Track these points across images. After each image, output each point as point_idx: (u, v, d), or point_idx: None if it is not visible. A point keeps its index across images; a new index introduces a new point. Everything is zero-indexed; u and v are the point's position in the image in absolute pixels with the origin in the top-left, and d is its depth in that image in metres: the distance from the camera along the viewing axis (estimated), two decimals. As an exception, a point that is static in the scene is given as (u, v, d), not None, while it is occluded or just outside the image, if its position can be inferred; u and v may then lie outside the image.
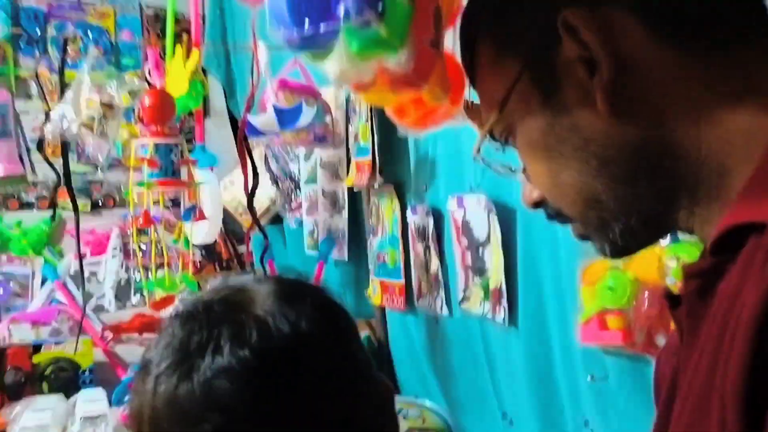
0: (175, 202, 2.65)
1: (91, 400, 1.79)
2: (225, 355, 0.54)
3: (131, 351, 2.38)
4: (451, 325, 1.65)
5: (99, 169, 2.78)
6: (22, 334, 2.36)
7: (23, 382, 2.02)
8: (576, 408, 1.24)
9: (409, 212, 1.69)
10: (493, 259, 1.39)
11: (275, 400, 0.54)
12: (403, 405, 1.67)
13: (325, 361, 0.58)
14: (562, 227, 0.54)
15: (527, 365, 1.35)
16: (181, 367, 0.55)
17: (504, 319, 1.38)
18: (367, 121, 1.73)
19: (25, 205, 2.86)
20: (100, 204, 2.94)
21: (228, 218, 2.61)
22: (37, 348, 2.11)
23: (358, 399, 0.60)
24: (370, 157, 1.72)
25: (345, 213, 1.95)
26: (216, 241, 2.69)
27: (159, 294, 2.34)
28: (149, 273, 2.36)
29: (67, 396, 1.91)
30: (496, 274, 1.39)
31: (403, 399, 1.79)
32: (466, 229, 1.47)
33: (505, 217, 1.35)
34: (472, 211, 1.43)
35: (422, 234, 1.64)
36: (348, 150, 1.87)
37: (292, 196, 2.32)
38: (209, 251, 2.80)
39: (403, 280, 1.77)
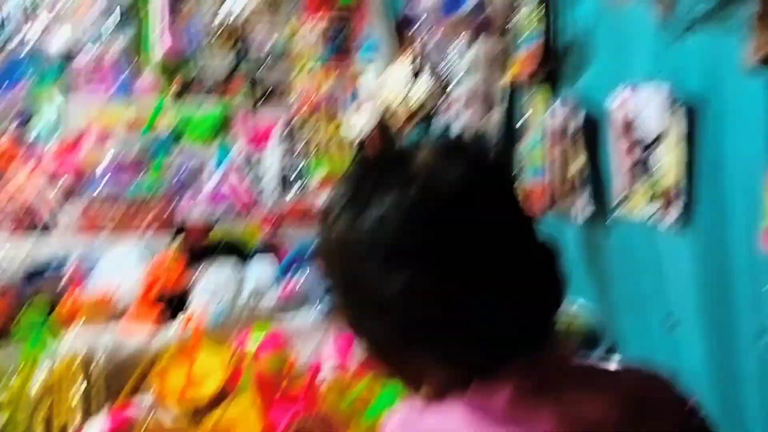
0: (333, 96, 2.74)
1: (260, 271, 1.96)
2: (393, 194, 0.57)
3: (292, 235, 2.55)
4: (597, 226, 1.58)
5: (265, 59, 2.90)
6: (199, 212, 2.60)
7: (200, 254, 2.23)
8: (752, 317, 1.16)
9: (558, 106, 1.60)
10: (668, 157, 1.30)
11: (439, 239, 0.56)
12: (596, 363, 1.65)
13: (490, 209, 0.59)
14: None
15: (698, 270, 1.27)
16: (353, 209, 0.59)
17: (674, 221, 1.30)
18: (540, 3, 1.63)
19: (199, 93, 3.03)
20: (267, 94, 3.05)
21: (384, 112, 2.64)
22: (211, 225, 2.30)
23: (520, 253, 0.60)
24: (533, 48, 1.64)
25: (498, 111, 1.90)
26: (371, 133, 2.75)
27: (320, 179, 2.47)
28: (311, 160, 2.49)
29: (239, 268, 2.09)
30: (670, 174, 1.30)
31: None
32: (631, 124, 1.38)
33: (686, 111, 1.25)
34: (643, 104, 1.33)
35: (570, 131, 1.56)
36: (508, 44, 1.79)
37: (446, 93, 2.28)
38: (364, 144, 2.87)
39: (546, 181, 1.71)
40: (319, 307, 1.81)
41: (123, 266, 2.03)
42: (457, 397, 0.59)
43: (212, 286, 1.82)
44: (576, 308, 1.66)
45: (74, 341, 1.63)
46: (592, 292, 1.65)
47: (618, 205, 1.46)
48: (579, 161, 1.55)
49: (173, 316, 1.78)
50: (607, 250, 1.59)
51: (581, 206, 1.56)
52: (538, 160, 1.68)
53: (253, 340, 1.62)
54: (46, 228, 2.49)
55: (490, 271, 0.58)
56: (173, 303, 1.81)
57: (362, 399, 1.48)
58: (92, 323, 1.71)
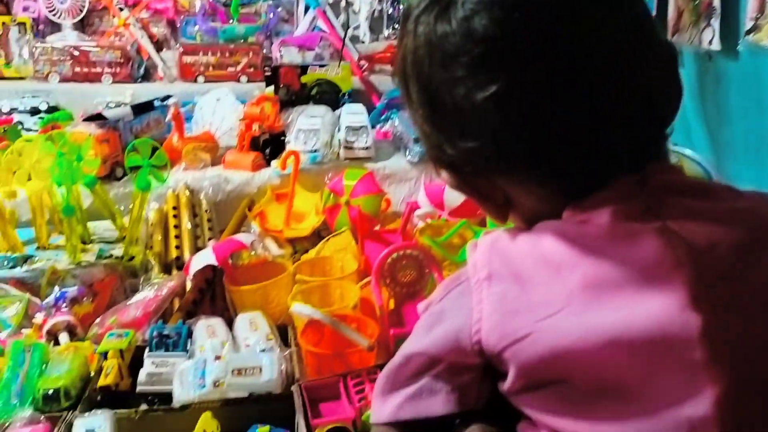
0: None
1: (354, 112, 1.94)
2: None
3: (384, 80, 2.50)
4: (727, 63, 1.43)
5: None
6: (291, 56, 2.58)
7: (293, 98, 2.23)
8: None
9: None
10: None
11: (536, 35, 0.49)
12: (712, 179, 1.57)
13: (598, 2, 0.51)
14: None
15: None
16: (439, 5, 0.53)
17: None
18: None
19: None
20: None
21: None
22: (304, 69, 2.28)
23: (637, 52, 0.52)
24: None
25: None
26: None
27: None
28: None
29: (333, 109, 2.09)
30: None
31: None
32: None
33: None
34: None
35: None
36: None
37: None
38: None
39: (654, 13, 1.55)
40: (411, 152, 1.79)
41: (220, 110, 2.07)
42: (549, 224, 0.54)
43: (307, 128, 1.82)
44: (683, 159, 1.57)
45: (179, 180, 1.70)
46: (705, 140, 1.55)
47: (748, 32, 1.31)
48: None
49: (271, 158, 1.81)
50: (725, 87, 1.46)
51: (707, 39, 1.42)
52: None
53: (348, 183, 1.64)
54: (144, 76, 2.56)
55: (602, 74, 0.50)
56: (269, 145, 1.83)
57: (453, 244, 1.50)
58: (195, 163, 1.77)
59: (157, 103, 1.95)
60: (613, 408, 0.49)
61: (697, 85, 1.53)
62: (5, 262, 1.43)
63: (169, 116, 1.91)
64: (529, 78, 0.49)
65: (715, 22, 1.40)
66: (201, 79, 2.50)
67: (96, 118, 1.70)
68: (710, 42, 1.41)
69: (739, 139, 1.46)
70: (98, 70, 2.46)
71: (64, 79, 2.46)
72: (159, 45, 2.67)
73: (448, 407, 0.59)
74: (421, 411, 0.59)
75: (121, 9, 2.65)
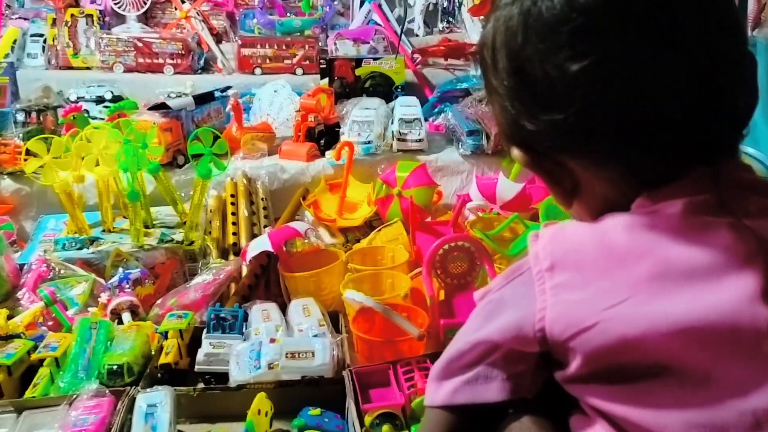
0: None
1: (407, 105, 1.96)
2: None
3: (437, 74, 2.50)
4: None
5: None
6: (346, 48, 2.61)
7: (347, 90, 2.26)
8: None
9: None
10: None
11: (639, 11, 0.50)
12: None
13: None
14: None
15: None
16: None
17: None
18: None
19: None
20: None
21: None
22: (358, 62, 2.31)
23: (729, 49, 0.52)
24: None
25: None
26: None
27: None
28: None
29: (387, 102, 2.11)
30: None
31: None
32: None
33: None
34: None
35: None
36: None
37: None
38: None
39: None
40: (464, 145, 1.79)
41: (277, 102, 2.11)
42: (615, 215, 0.54)
43: (361, 120, 1.84)
44: (744, 156, 1.53)
45: (237, 168, 1.74)
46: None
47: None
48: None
49: (325, 148, 1.84)
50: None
51: None
52: None
53: (401, 174, 1.66)
54: (203, 68, 2.63)
55: (697, 62, 0.50)
56: (324, 136, 1.87)
57: (504, 237, 1.51)
58: (253, 152, 1.82)
59: (217, 94, 2.00)
60: (678, 396, 0.49)
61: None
62: (73, 244, 1.50)
63: (228, 107, 1.96)
64: (626, 53, 0.50)
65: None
66: (258, 71, 2.55)
67: (160, 107, 1.76)
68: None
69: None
70: (160, 61, 2.54)
71: (127, 70, 2.54)
72: (218, 37, 2.73)
73: (503, 395, 0.60)
74: (476, 396, 0.60)
75: (183, 1, 2.73)
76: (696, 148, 0.52)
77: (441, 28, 2.88)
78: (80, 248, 1.49)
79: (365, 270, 1.39)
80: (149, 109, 1.76)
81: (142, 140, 1.53)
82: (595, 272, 0.51)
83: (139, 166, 1.52)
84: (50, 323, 1.34)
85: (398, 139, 1.83)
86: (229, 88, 2.07)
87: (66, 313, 1.36)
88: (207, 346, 1.19)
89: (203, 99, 1.90)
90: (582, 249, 0.53)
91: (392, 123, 1.89)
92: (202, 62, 2.63)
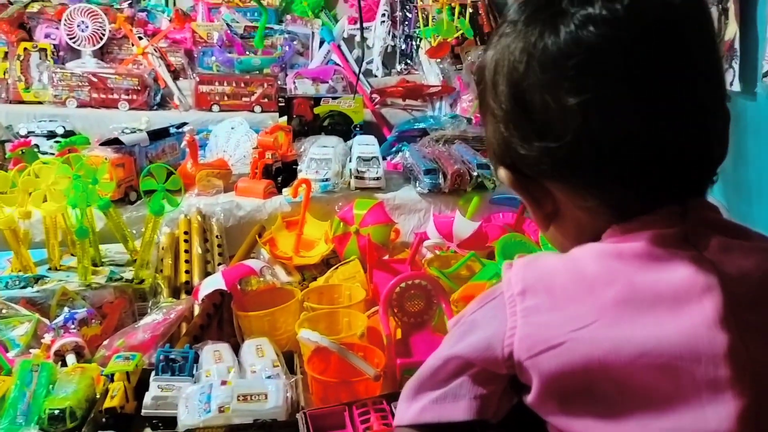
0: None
1: (365, 143, 1.96)
2: (596, 6, 0.54)
3: (395, 114, 2.53)
4: (745, 104, 1.44)
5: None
6: (305, 87, 2.62)
7: (306, 129, 2.26)
8: None
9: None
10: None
11: (638, 57, 0.53)
12: (746, 227, 1.56)
13: (693, 36, 0.56)
14: None
15: None
16: (548, 12, 0.56)
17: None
18: None
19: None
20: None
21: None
22: (317, 101, 2.32)
23: (711, 97, 0.56)
24: None
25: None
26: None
27: (434, 41, 2.41)
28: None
29: (345, 140, 2.11)
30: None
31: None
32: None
33: None
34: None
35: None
36: None
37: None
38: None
39: None
40: (421, 183, 1.80)
41: (234, 138, 2.10)
42: (585, 246, 0.58)
43: (319, 158, 1.84)
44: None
45: (192, 205, 1.71)
46: (718, 182, 1.57)
47: (766, 75, 1.33)
48: (730, 31, 1.41)
49: (282, 186, 1.83)
50: (742, 128, 1.46)
51: (728, 81, 1.43)
52: None
53: (358, 212, 1.65)
54: (160, 104, 2.60)
55: (684, 108, 0.54)
56: (282, 173, 1.85)
57: (461, 275, 1.50)
58: (208, 189, 1.79)
59: (172, 130, 1.97)
60: (639, 418, 0.51)
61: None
62: (17, 282, 1.44)
63: (184, 143, 1.94)
64: (621, 93, 0.53)
65: (736, 64, 1.41)
66: (216, 108, 2.54)
67: (112, 142, 1.72)
68: (731, 83, 1.43)
69: (753, 181, 1.46)
70: (115, 96, 2.51)
71: (81, 105, 2.51)
72: (176, 74, 2.72)
73: (469, 414, 0.61)
74: (443, 415, 0.61)
75: (140, 38, 2.72)
76: (670, 188, 0.56)
77: (399, 70, 2.92)
78: (24, 287, 1.43)
79: (321, 309, 1.37)
80: (101, 144, 1.72)
81: (92, 176, 1.49)
82: (565, 297, 0.54)
83: (89, 202, 1.48)
84: (-11, 366, 1.27)
85: (356, 177, 1.83)
86: (184, 124, 2.04)
87: (6, 355, 1.29)
88: (155, 388, 1.15)
89: (158, 135, 1.88)
90: (553, 275, 0.56)
91: (350, 161, 1.89)
92: (158, 98, 2.61)
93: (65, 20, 2.63)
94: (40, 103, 2.56)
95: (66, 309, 1.38)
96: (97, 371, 1.22)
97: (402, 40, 2.92)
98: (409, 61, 2.92)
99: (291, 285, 1.53)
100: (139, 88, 2.51)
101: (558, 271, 0.57)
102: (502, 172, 0.63)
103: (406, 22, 2.91)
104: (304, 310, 1.37)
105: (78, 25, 2.64)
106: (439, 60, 2.69)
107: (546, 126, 0.56)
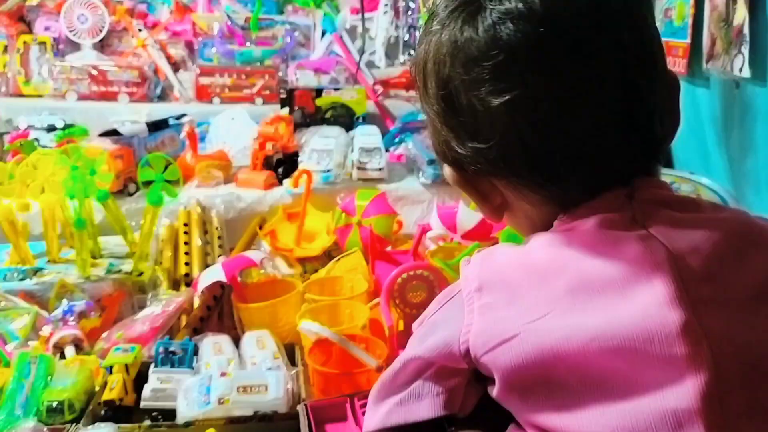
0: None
1: (368, 134, 1.94)
2: (512, 0, 0.53)
3: (398, 105, 2.51)
4: (755, 90, 1.42)
5: None
6: (306, 79, 2.60)
7: (308, 120, 2.24)
8: None
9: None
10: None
11: (558, 51, 0.52)
12: (675, 179, 1.54)
13: (619, 17, 0.54)
14: None
15: None
16: (468, 9, 0.55)
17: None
18: None
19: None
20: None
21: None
22: (319, 92, 2.30)
23: (642, 79, 0.55)
24: None
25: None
26: None
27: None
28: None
29: (347, 132, 2.09)
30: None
31: (674, 173, 1.65)
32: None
33: None
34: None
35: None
36: None
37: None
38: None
39: (689, 40, 1.51)
40: (424, 174, 1.78)
41: (234, 129, 2.08)
42: (537, 236, 0.57)
43: (320, 149, 1.82)
44: (700, 188, 1.54)
45: (191, 197, 1.70)
46: (725, 169, 1.52)
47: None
48: (739, 16, 1.38)
49: (283, 177, 1.81)
50: (751, 117, 1.43)
51: (740, 64, 1.39)
52: (680, 17, 1.51)
53: (360, 203, 1.63)
54: (160, 97, 2.58)
55: (609, 96, 0.53)
56: (282, 164, 1.84)
57: (466, 266, 1.49)
58: (208, 180, 1.77)
59: (172, 122, 1.96)
60: (599, 405, 0.50)
61: (722, 114, 1.50)
62: (15, 274, 1.43)
63: (183, 134, 1.92)
64: (543, 91, 0.53)
65: (745, 50, 1.38)
66: (217, 100, 2.52)
67: (111, 133, 1.71)
68: (740, 69, 1.39)
69: (762, 169, 1.44)
70: (115, 89, 2.49)
71: (81, 98, 2.49)
72: (176, 66, 2.70)
73: (434, 411, 0.60)
74: (409, 416, 0.61)
75: (140, 30, 2.69)
76: (610, 174, 0.55)
77: (402, 61, 2.89)
78: (22, 279, 1.42)
79: (322, 300, 1.35)
80: (100, 135, 1.71)
81: (90, 167, 1.48)
82: (520, 290, 0.54)
83: (87, 193, 1.46)
84: (-13, 359, 1.26)
85: (358, 168, 1.81)
86: (184, 115, 2.03)
87: (5, 348, 1.28)
88: (154, 381, 1.13)
89: (157, 126, 1.86)
90: (508, 269, 0.56)
91: (352, 152, 1.87)
92: (158, 91, 2.59)
93: (65, 13, 2.60)
94: (40, 96, 2.54)
95: (65, 301, 1.36)
96: (95, 363, 1.21)
97: (405, 30, 2.89)
98: (412, 52, 2.89)
99: (292, 277, 1.51)
100: (139, 80, 2.49)
101: (513, 265, 0.56)
102: (447, 170, 0.63)
103: (409, 12, 2.88)
104: (305, 301, 1.35)
105: (78, 18, 2.62)
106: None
107: (475, 127, 0.55)
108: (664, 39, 1.70)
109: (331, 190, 1.77)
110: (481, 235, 1.56)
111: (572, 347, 0.50)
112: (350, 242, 1.60)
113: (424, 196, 1.79)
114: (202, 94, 2.54)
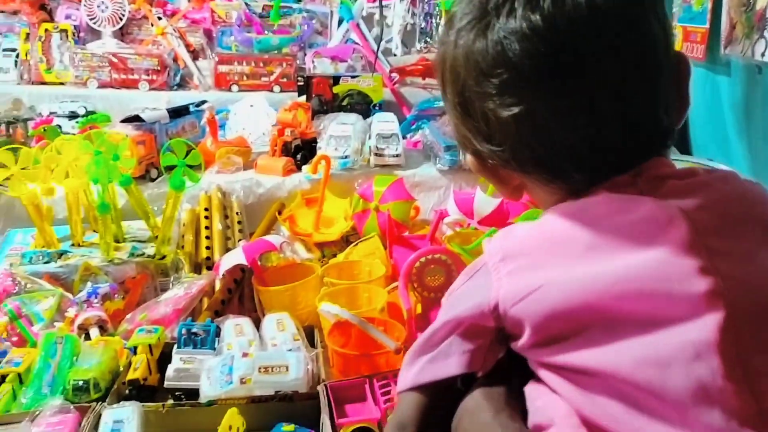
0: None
1: (385, 120, 1.95)
2: (517, 18, 0.55)
3: (414, 93, 2.51)
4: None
5: None
6: (324, 67, 2.60)
7: (325, 108, 2.25)
8: None
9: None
10: None
11: (560, 69, 0.55)
12: (693, 165, 1.54)
13: (619, 28, 0.56)
14: None
15: None
16: (478, 25, 0.58)
17: None
18: None
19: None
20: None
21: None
22: (336, 80, 2.30)
23: (646, 78, 0.57)
24: None
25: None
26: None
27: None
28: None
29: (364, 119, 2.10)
30: None
31: (693, 160, 1.65)
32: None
33: None
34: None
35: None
36: None
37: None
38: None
39: (707, 26, 1.51)
40: (441, 160, 1.79)
41: (253, 116, 2.09)
42: (552, 209, 0.61)
43: (338, 135, 1.83)
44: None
45: (212, 182, 1.72)
46: (745, 156, 1.50)
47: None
48: (762, 0, 1.36)
49: (302, 163, 1.83)
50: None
51: (759, 51, 1.36)
52: (699, 2, 1.51)
53: (378, 189, 1.64)
54: (179, 84, 2.61)
55: (613, 103, 0.56)
56: (301, 151, 1.85)
57: (482, 252, 1.49)
58: (228, 166, 1.79)
59: (192, 108, 1.98)
60: (622, 338, 0.53)
61: (743, 99, 1.49)
62: (40, 257, 1.45)
63: (203, 120, 1.94)
64: (548, 105, 0.57)
65: (768, 34, 1.36)
66: (235, 88, 2.54)
67: (133, 119, 1.73)
68: (762, 54, 1.38)
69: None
70: (135, 77, 2.51)
71: (102, 85, 2.51)
72: (195, 54, 2.72)
73: (459, 368, 0.64)
74: (437, 372, 0.65)
75: (159, 18, 2.72)
76: (615, 167, 0.59)
77: (419, 48, 2.88)
78: (48, 262, 1.45)
79: (341, 284, 1.37)
80: (122, 121, 1.73)
81: (113, 152, 1.50)
82: (540, 255, 0.58)
83: (110, 178, 1.49)
84: (15, 339, 1.29)
85: (376, 154, 1.82)
86: (204, 102, 2.04)
87: (31, 329, 1.31)
88: (177, 361, 1.16)
89: (177, 113, 1.88)
90: (527, 240, 0.61)
91: (370, 138, 1.88)
92: (178, 78, 2.61)
93: (85, 1, 2.63)
94: (61, 83, 2.57)
95: (89, 284, 1.39)
96: (120, 344, 1.24)
97: (422, 18, 2.88)
98: (428, 40, 2.88)
99: (311, 261, 1.53)
100: (158, 68, 2.51)
101: (532, 236, 0.60)
102: (469, 158, 0.68)
103: (426, 0, 2.88)
104: (324, 285, 1.37)
105: (98, 6, 2.64)
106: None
107: (488, 133, 0.60)
108: (681, 24, 1.69)
109: (349, 176, 1.78)
110: (498, 221, 1.57)
111: (596, 291, 0.54)
112: (368, 227, 1.61)
113: (440, 182, 1.80)
114: (221, 82, 2.56)
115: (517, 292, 0.57)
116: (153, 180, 1.73)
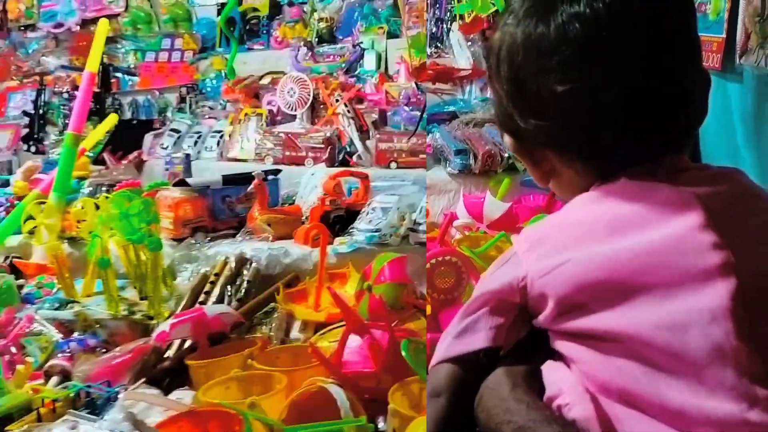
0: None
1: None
2: (582, 4, 0.63)
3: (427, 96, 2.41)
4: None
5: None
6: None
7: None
8: None
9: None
10: None
11: (616, 52, 0.63)
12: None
13: (673, 26, 0.65)
14: None
15: None
16: (541, 10, 0.66)
17: None
18: None
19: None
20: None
21: None
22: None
23: (688, 75, 0.66)
24: None
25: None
26: None
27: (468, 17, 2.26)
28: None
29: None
30: None
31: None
32: None
33: None
34: None
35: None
36: None
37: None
38: None
39: (724, 35, 1.43)
40: (451, 164, 1.66)
41: (310, 185, 2.05)
42: (575, 199, 0.69)
43: (382, 206, 1.69)
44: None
45: (238, 248, 1.70)
46: (755, 166, 1.41)
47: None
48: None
49: (338, 235, 1.72)
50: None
51: None
52: (715, 12, 1.45)
53: (376, 267, 1.44)
54: (342, 161, 2.58)
55: (655, 92, 0.64)
56: (340, 221, 1.76)
57: (491, 256, 1.32)
58: (259, 234, 1.77)
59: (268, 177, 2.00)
60: (643, 304, 0.60)
61: (755, 110, 1.41)
62: (55, 304, 1.57)
63: (251, 187, 1.90)
64: (602, 83, 0.64)
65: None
66: (393, 165, 2.44)
67: (180, 183, 1.83)
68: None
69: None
70: (303, 154, 2.59)
71: (276, 162, 2.61)
72: (366, 134, 2.69)
73: (486, 342, 0.70)
74: (465, 347, 0.71)
75: (337, 100, 2.79)
76: (643, 152, 0.66)
77: (429, 53, 2.60)
78: (57, 309, 1.56)
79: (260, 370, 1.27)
80: (174, 185, 1.84)
81: (145, 214, 1.55)
82: (565, 238, 0.65)
83: (140, 238, 1.54)
84: None
85: (410, 229, 1.64)
86: (279, 171, 2.05)
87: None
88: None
89: (240, 181, 1.91)
90: (553, 228, 0.69)
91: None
92: (341, 156, 2.60)
93: (280, 88, 2.86)
94: (244, 161, 2.75)
95: (75, 334, 1.44)
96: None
97: (432, 23, 2.64)
98: (439, 45, 2.61)
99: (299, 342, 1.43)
100: (323, 145, 2.58)
101: (556, 224, 0.70)
102: (507, 139, 0.74)
103: (437, 5, 2.64)
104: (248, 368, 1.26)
105: (288, 92, 2.86)
106: (469, 43, 2.49)
107: (540, 108, 0.66)
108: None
109: (379, 252, 1.56)
110: (508, 225, 1.50)
111: (617, 264, 0.61)
112: (361, 310, 1.39)
113: (450, 186, 1.75)
114: (381, 159, 2.49)
115: (544, 268, 0.64)
116: (194, 243, 1.75)
